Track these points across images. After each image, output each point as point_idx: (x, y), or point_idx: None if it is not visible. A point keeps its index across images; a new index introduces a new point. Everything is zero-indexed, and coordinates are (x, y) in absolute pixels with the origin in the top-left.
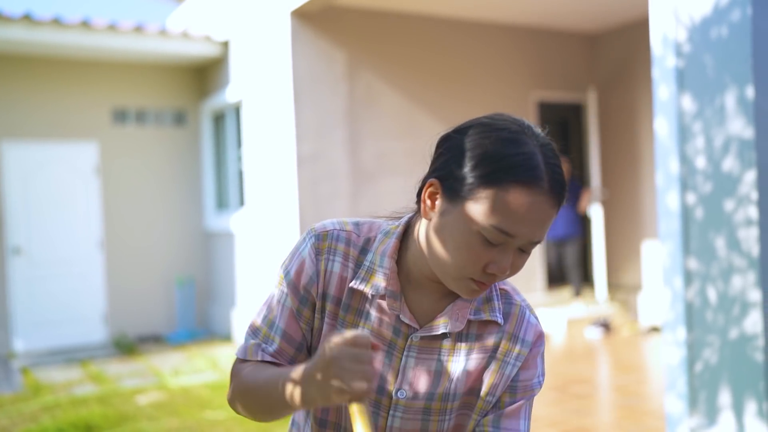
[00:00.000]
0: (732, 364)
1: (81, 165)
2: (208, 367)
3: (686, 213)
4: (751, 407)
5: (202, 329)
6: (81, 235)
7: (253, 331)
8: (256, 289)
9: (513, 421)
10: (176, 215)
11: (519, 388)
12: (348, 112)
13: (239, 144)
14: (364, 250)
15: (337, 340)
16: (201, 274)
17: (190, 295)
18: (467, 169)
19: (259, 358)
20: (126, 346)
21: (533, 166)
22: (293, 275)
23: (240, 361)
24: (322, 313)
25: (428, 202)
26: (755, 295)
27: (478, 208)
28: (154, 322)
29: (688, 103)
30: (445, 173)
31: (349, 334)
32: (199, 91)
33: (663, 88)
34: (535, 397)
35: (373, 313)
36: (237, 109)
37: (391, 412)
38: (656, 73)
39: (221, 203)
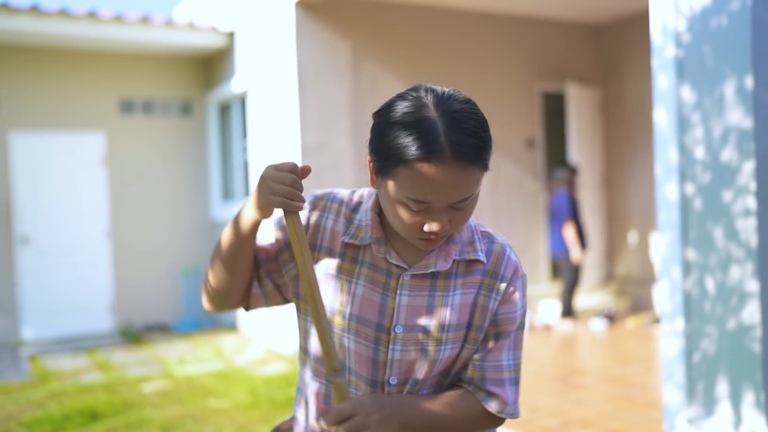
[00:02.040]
0: (730, 354)
1: (88, 155)
2: (213, 356)
3: (685, 203)
4: (748, 397)
5: (208, 319)
6: (88, 224)
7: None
8: None
9: (498, 354)
10: (182, 205)
11: (501, 321)
12: (352, 103)
13: (245, 134)
14: (355, 210)
15: (269, 165)
16: (207, 263)
17: (196, 284)
18: (381, 150)
19: None
20: (132, 335)
21: (430, 141)
22: (281, 224)
23: None
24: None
25: (371, 174)
26: (753, 286)
27: (392, 183)
28: (160, 312)
29: (687, 93)
30: (372, 151)
31: (279, 162)
32: (205, 81)
33: (662, 78)
34: (531, 390)
35: (367, 260)
36: (243, 100)
37: (390, 346)
38: (656, 63)
39: (227, 193)
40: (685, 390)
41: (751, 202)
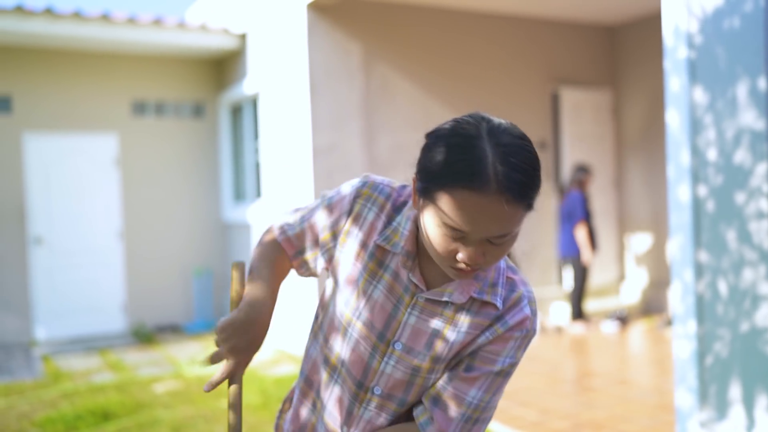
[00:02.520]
0: (743, 357)
1: (101, 156)
2: None
3: (697, 205)
4: (761, 401)
5: (219, 319)
6: (101, 225)
7: (293, 212)
8: None
9: (466, 386)
10: (194, 206)
11: (479, 357)
12: (364, 104)
13: (256, 136)
14: (398, 209)
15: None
16: (218, 264)
17: (208, 285)
18: (427, 171)
19: (277, 235)
20: (144, 336)
21: (477, 170)
22: (330, 203)
23: (270, 229)
24: (344, 246)
25: (414, 195)
26: (766, 288)
27: (432, 206)
28: (172, 312)
29: (699, 94)
30: (418, 172)
31: (219, 326)
32: (217, 83)
33: (674, 80)
34: (542, 392)
35: (392, 267)
36: (254, 101)
37: (385, 358)
38: (668, 64)
39: (238, 195)
40: (698, 393)
41: (764, 205)
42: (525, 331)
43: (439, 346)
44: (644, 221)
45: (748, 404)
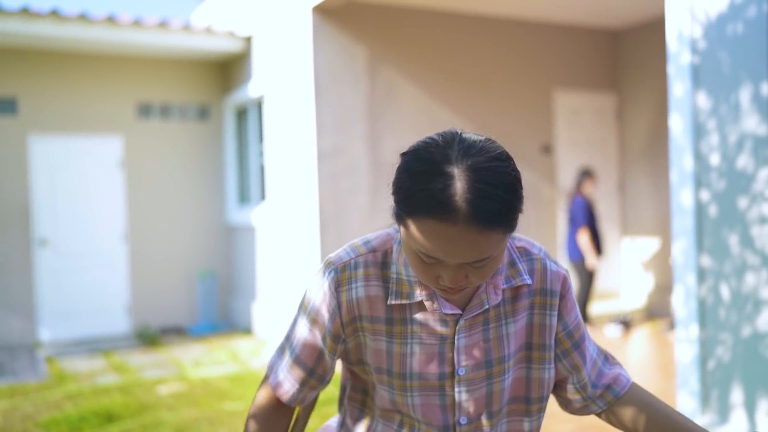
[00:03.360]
0: (744, 361)
1: (106, 159)
2: (229, 359)
3: (700, 210)
4: (763, 405)
5: (224, 322)
6: (106, 227)
7: (279, 349)
8: (276, 282)
9: (585, 357)
10: (199, 209)
11: (573, 330)
12: (368, 108)
13: (261, 139)
14: (385, 265)
15: None
16: (223, 267)
17: (212, 288)
18: (395, 197)
19: (272, 383)
20: (148, 338)
21: (441, 200)
22: (315, 309)
23: (264, 379)
24: (356, 333)
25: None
26: None
27: (406, 233)
28: (176, 315)
29: (702, 100)
30: (392, 195)
31: None
32: (223, 86)
33: (678, 85)
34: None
35: (418, 316)
36: (259, 104)
37: (456, 389)
38: (671, 69)
39: (243, 197)
40: (700, 397)
41: (767, 209)
42: (569, 282)
43: (499, 347)
44: (649, 226)
45: (750, 408)
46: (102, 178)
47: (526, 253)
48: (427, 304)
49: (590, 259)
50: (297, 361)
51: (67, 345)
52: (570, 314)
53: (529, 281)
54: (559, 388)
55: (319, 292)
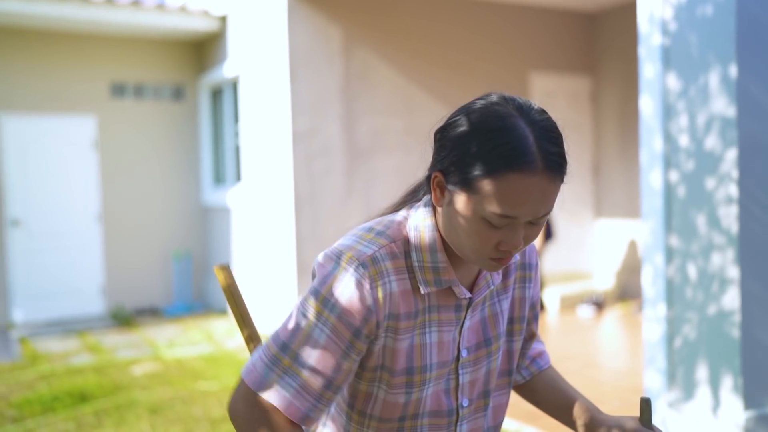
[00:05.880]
0: (710, 339)
1: (79, 138)
2: (203, 340)
3: (669, 191)
4: (727, 382)
5: (199, 303)
6: (79, 208)
7: (272, 360)
8: (252, 263)
9: (537, 323)
10: (174, 190)
11: (535, 300)
12: (344, 89)
13: (237, 119)
14: (407, 254)
15: None
16: (198, 248)
17: (187, 268)
18: (462, 162)
19: (277, 403)
20: (123, 318)
21: (523, 151)
22: (341, 309)
23: (251, 392)
24: (386, 333)
25: (437, 191)
26: (734, 272)
27: (478, 197)
28: (151, 295)
29: (673, 81)
30: (446, 166)
31: None
32: (197, 66)
33: (648, 67)
34: None
35: (433, 304)
36: (235, 85)
37: (461, 372)
38: (642, 51)
39: (218, 178)
40: (666, 374)
41: (733, 190)
42: (536, 256)
43: (494, 326)
44: (622, 207)
45: (714, 385)
46: (75, 159)
47: None
48: (456, 289)
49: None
50: (313, 373)
51: (41, 326)
52: (537, 285)
53: (517, 257)
54: None
55: (348, 290)
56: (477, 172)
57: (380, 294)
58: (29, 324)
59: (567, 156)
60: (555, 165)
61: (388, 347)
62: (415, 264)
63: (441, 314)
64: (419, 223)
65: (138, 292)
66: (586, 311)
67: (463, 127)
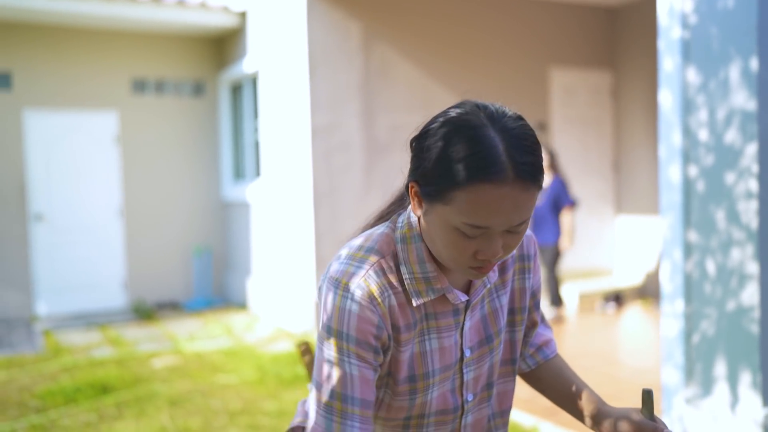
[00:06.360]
0: (728, 335)
1: (101, 134)
2: (223, 334)
3: (688, 185)
4: (745, 378)
5: (218, 297)
6: (101, 203)
7: (326, 409)
8: (271, 258)
9: (539, 311)
10: (194, 185)
11: (536, 288)
12: (363, 84)
13: (256, 115)
14: (397, 268)
15: None
16: (218, 243)
17: (207, 263)
18: (433, 173)
19: None
20: (144, 312)
21: (492, 161)
22: (355, 337)
23: None
24: (392, 342)
25: (415, 200)
26: (753, 268)
27: (449, 208)
28: (171, 290)
29: (692, 75)
30: (419, 176)
31: None
32: (217, 61)
33: (668, 60)
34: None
35: (430, 311)
36: (254, 80)
37: (465, 370)
38: (662, 44)
39: (238, 173)
40: (684, 370)
41: (753, 185)
42: (536, 244)
43: (495, 321)
44: (644, 203)
45: (733, 381)
46: (97, 154)
47: None
48: (449, 296)
49: (567, 241)
50: (363, 405)
51: (64, 319)
52: (537, 274)
53: (515, 251)
54: None
55: (354, 316)
56: (448, 182)
57: (383, 309)
58: (52, 317)
59: (542, 163)
60: (526, 174)
61: (393, 357)
62: (406, 276)
63: (439, 321)
64: (405, 233)
65: (159, 287)
66: (606, 308)
67: (434, 137)
